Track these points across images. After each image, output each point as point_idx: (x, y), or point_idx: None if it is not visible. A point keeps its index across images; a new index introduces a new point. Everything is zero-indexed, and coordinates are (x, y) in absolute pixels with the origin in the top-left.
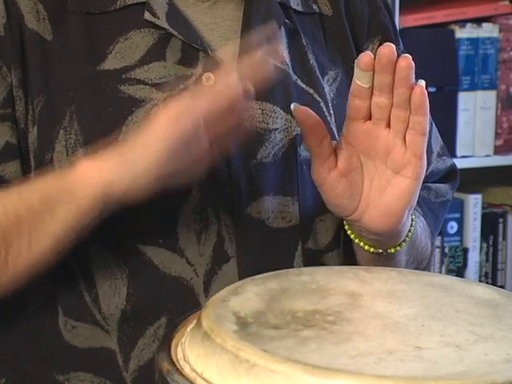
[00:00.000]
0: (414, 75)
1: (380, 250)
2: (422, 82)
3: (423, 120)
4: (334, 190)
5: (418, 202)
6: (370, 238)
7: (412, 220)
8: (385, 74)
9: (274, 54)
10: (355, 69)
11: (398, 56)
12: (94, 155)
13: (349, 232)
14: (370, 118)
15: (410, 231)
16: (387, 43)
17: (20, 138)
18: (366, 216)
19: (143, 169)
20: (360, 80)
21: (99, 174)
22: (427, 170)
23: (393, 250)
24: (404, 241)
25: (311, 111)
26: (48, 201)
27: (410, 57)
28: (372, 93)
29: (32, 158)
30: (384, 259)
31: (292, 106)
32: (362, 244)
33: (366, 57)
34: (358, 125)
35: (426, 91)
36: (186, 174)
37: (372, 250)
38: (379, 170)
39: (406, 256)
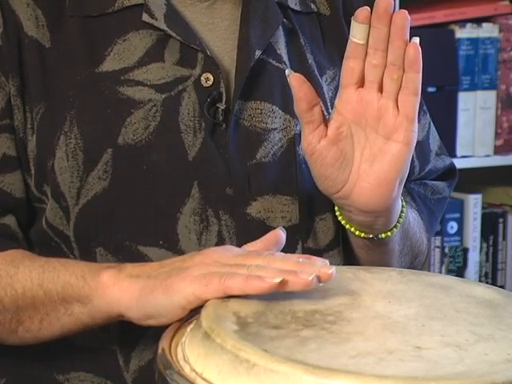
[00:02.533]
0: (408, 31)
1: (371, 236)
2: (416, 39)
3: (416, 77)
4: (323, 159)
5: (413, 197)
6: (360, 221)
7: (403, 207)
8: (381, 25)
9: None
10: (352, 24)
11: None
12: (121, 269)
13: (339, 217)
14: (362, 85)
15: (400, 217)
16: None
17: (19, 147)
18: (356, 189)
19: (161, 312)
20: (356, 35)
21: (120, 296)
22: (426, 168)
23: (383, 236)
24: (395, 226)
25: (304, 78)
26: (65, 296)
27: (406, 11)
28: (366, 55)
29: (32, 166)
30: (376, 246)
31: (287, 71)
32: (352, 229)
33: (363, 10)
34: (351, 91)
35: (420, 48)
36: None
37: (363, 235)
38: (370, 138)
39: (399, 245)
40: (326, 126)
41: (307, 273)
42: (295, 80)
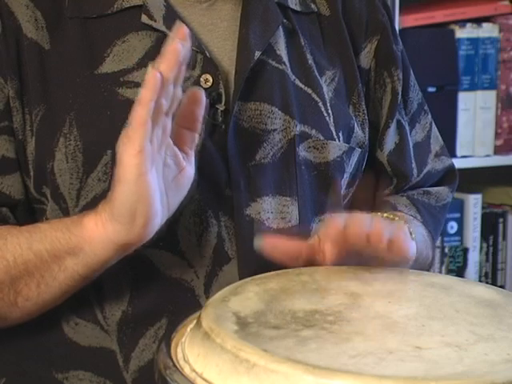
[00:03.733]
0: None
1: None
2: (399, 237)
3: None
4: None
5: (418, 209)
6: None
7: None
8: (356, 242)
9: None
10: None
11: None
12: (98, 209)
13: None
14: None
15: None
16: (356, 221)
17: (18, 149)
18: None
19: (144, 218)
20: None
21: (105, 234)
22: (423, 171)
23: None
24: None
25: (275, 239)
26: (55, 252)
27: (380, 223)
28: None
29: (31, 168)
30: None
31: (254, 245)
32: None
33: None
34: (335, 239)
35: (404, 243)
36: (179, 186)
37: None
38: (369, 255)
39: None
40: (321, 247)
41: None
42: (266, 248)
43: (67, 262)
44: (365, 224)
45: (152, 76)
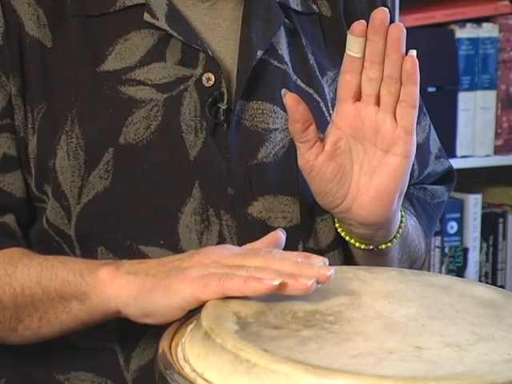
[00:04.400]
0: (405, 44)
1: (371, 247)
2: (413, 52)
3: (414, 90)
4: (322, 175)
5: (412, 202)
6: (361, 233)
7: (402, 217)
8: (377, 38)
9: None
10: (348, 37)
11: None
12: (119, 266)
13: (339, 229)
14: (359, 99)
15: (400, 227)
16: (381, 7)
17: (19, 147)
18: (356, 203)
19: (159, 311)
20: (352, 48)
21: (117, 293)
22: (424, 172)
23: (384, 247)
24: (395, 237)
25: (299, 98)
26: (63, 293)
27: (402, 24)
28: (363, 69)
29: (32, 166)
30: (376, 256)
31: (283, 91)
32: (352, 241)
33: (359, 23)
34: (348, 106)
35: (416, 60)
36: None
37: (363, 246)
38: (369, 152)
39: (398, 254)
40: (322, 141)
41: (306, 277)
42: (290, 100)
43: (72, 305)
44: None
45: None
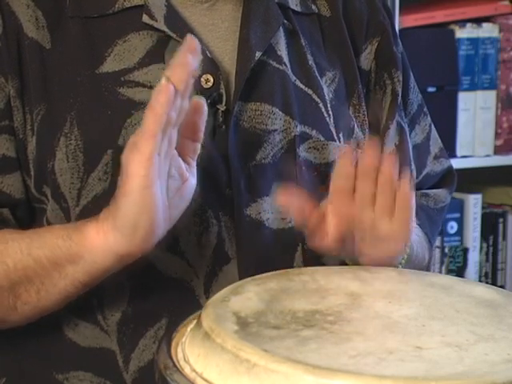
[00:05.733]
0: (397, 176)
1: None
2: (406, 180)
3: (408, 213)
4: (330, 251)
5: (416, 211)
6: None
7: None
8: (365, 182)
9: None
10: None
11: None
12: (99, 217)
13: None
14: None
15: (404, 255)
16: (368, 153)
17: (18, 148)
18: (361, 258)
19: (146, 230)
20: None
21: (106, 244)
22: (422, 172)
23: None
24: (400, 263)
25: (291, 193)
26: (56, 259)
27: (392, 158)
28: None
29: (31, 167)
30: None
31: (272, 193)
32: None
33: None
34: (342, 200)
35: (410, 190)
36: (181, 198)
37: None
38: (369, 234)
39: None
40: (325, 219)
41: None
42: (281, 201)
43: (68, 270)
44: (376, 156)
45: (165, 89)
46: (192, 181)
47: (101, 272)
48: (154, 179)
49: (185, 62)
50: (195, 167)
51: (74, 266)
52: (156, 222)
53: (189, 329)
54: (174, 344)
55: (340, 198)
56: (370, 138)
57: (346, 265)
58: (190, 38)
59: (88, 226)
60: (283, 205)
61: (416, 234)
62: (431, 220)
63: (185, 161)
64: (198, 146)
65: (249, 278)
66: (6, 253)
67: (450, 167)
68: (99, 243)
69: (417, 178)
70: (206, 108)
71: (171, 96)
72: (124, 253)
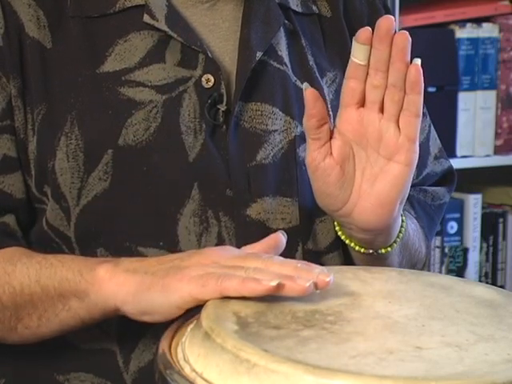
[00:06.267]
0: (409, 52)
1: (371, 251)
2: (418, 61)
3: (418, 99)
4: (327, 177)
5: (413, 204)
6: (361, 238)
7: (402, 221)
8: (382, 46)
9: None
10: (353, 44)
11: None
12: (117, 263)
13: (339, 233)
14: (363, 105)
15: (400, 232)
16: (386, 15)
17: (19, 148)
18: (356, 208)
19: (157, 309)
20: (357, 56)
21: (116, 290)
22: (423, 172)
23: (383, 251)
24: (395, 242)
25: (319, 95)
26: (62, 291)
27: (407, 33)
28: (367, 76)
29: (32, 167)
30: (376, 260)
31: (304, 85)
32: (352, 244)
33: (365, 31)
34: (351, 112)
35: (421, 69)
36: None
37: (363, 250)
38: (371, 158)
39: (399, 257)
40: (330, 143)
41: (305, 279)
42: (310, 95)
43: (71, 303)
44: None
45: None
46: None
47: (99, 315)
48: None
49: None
50: None
51: (78, 301)
52: (162, 320)
53: (189, 329)
54: (174, 344)
55: (349, 110)
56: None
57: (347, 265)
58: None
59: (102, 268)
60: (310, 97)
61: (413, 223)
62: (428, 215)
63: None
64: None
65: None
66: (14, 276)
67: (450, 167)
68: (108, 290)
69: (417, 178)
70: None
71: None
72: (124, 312)
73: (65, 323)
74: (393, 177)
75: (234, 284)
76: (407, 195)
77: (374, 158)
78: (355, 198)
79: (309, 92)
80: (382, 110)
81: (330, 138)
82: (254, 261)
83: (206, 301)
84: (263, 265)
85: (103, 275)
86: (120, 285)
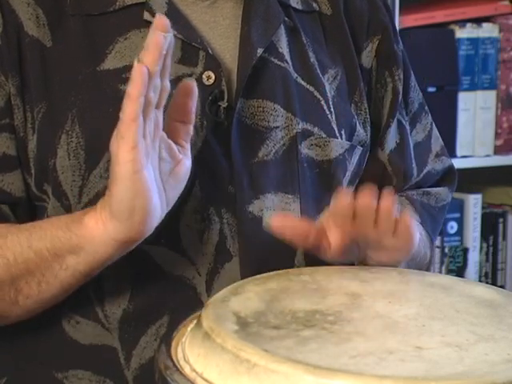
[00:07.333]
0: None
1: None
2: (406, 216)
3: (411, 232)
4: (334, 261)
5: (417, 209)
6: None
7: None
8: (364, 220)
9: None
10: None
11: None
12: (97, 207)
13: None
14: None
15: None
16: (366, 194)
17: (19, 146)
18: (368, 260)
19: (143, 213)
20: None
21: (105, 232)
22: (423, 171)
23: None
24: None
25: (284, 216)
26: (56, 250)
27: (390, 197)
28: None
29: (32, 165)
30: None
31: (263, 224)
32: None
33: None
34: (343, 218)
35: (411, 223)
36: (176, 180)
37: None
38: (374, 246)
39: (404, 267)
40: (326, 234)
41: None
42: (276, 223)
43: (68, 261)
44: (374, 197)
45: (138, 71)
46: (186, 162)
47: (102, 261)
48: (143, 163)
49: (156, 41)
50: (189, 149)
51: (74, 256)
52: (152, 204)
53: (189, 329)
54: (174, 344)
55: (340, 216)
56: (365, 187)
57: (347, 265)
58: (159, 16)
59: (86, 217)
60: (278, 231)
61: (419, 233)
62: (433, 218)
63: (177, 143)
64: (190, 127)
65: (249, 278)
66: (6, 246)
67: (451, 165)
68: (99, 233)
69: (418, 176)
70: (195, 89)
71: (145, 77)
72: (124, 239)
73: (66, 283)
74: (395, 259)
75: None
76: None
77: (374, 244)
78: (362, 258)
79: (271, 226)
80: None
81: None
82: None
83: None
84: None
85: (89, 223)
86: (106, 222)
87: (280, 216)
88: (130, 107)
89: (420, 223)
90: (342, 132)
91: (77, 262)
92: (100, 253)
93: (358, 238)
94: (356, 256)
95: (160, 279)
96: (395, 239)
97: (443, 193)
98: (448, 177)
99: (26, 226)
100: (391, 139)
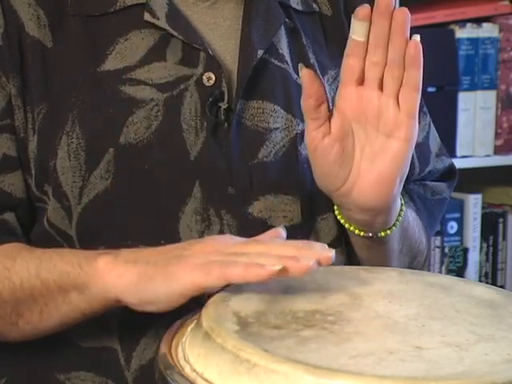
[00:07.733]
0: (409, 28)
1: (370, 234)
2: (417, 37)
3: (417, 75)
4: (326, 156)
5: (412, 198)
6: (360, 219)
7: (402, 205)
8: (381, 22)
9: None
10: (352, 21)
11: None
12: (117, 255)
13: (338, 217)
14: (362, 83)
15: (399, 215)
16: None
17: (19, 147)
18: (356, 187)
19: (161, 299)
20: (356, 33)
21: (116, 281)
22: (425, 170)
23: (383, 234)
24: (394, 225)
25: (315, 74)
26: (62, 284)
27: (407, 9)
28: (366, 53)
29: (32, 166)
30: (376, 245)
31: (299, 65)
32: (351, 228)
33: (363, 8)
34: (351, 89)
35: (420, 45)
36: None
37: (362, 233)
38: (371, 136)
39: (399, 244)
40: (329, 121)
41: (307, 257)
42: (307, 75)
43: (72, 296)
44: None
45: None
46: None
47: (100, 306)
48: None
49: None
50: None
51: (78, 294)
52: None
53: (189, 329)
54: (174, 344)
55: (348, 88)
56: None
57: (349, 262)
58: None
59: (101, 260)
60: (307, 78)
61: (413, 212)
62: (428, 209)
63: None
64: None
65: None
66: (14, 270)
67: (452, 164)
68: (108, 281)
69: (420, 174)
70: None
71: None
72: (126, 303)
73: (66, 316)
74: (392, 154)
75: (238, 270)
76: (406, 173)
77: (373, 135)
78: (355, 175)
79: (305, 72)
80: (381, 87)
81: (329, 117)
82: (256, 246)
83: (210, 288)
84: (265, 249)
85: (103, 267)
86: (120, 276)
87: (312, 72)
88: (262, 277)
89: (415, 211)
90: None
91: (80, 299)
92: (100, 298)
93: (359, 120)
94: (346, 173)
95: None
96: (397, 112)
97: (440, 187)
98: (448, 174)
99: (36, 252)
100: None
